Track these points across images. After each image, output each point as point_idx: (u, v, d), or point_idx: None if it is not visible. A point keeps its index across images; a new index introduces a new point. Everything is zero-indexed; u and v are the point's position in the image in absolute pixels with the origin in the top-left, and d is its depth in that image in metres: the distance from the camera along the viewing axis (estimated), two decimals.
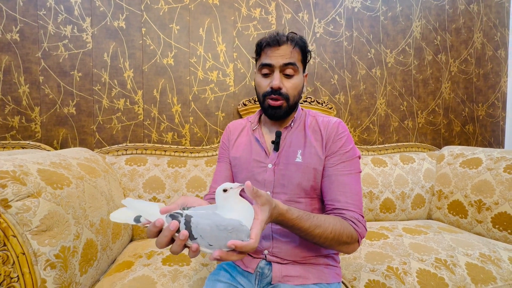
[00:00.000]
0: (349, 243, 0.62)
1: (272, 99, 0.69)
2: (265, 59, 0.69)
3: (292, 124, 0.74)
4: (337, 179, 0.66)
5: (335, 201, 0.65)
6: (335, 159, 0.68)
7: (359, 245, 0.64)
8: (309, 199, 0.70)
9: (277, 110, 0.70)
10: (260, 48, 0.71)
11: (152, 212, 0.46)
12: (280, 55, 0.67)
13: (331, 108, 1.48)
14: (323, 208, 0.72)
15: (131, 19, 1.29)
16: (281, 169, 0.70)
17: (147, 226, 0.46)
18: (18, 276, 0.55)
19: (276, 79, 0.67)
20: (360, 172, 0.69)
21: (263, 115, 0.81)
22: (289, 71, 0.68)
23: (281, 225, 0.59)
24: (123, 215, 0.47)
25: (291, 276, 0.66)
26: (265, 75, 0.70)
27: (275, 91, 0.68)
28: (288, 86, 0.69)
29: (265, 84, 0.70)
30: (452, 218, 1.26)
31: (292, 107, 0.72)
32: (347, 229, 0.61)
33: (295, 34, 0.70)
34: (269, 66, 0.68)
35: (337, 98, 1.54)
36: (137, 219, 0.46)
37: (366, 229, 0.64)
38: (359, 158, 0.71)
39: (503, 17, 1.72)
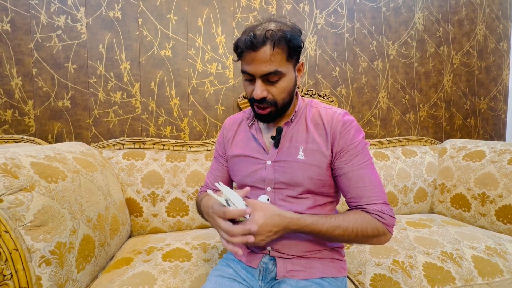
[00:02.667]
0: (378, 235, 0.60)
1: (258, 107, 0.64)
2: (244, 66, 0.62)
3: (293, 118, 0.69)
4: (354, 175, 0.62)
5: (357, 198, 0.63)
6: (348, 155, 0.63)
7: (391, 234, 0.62)
8: (313, 195, 0.67)
9: (266, 117, 0.65)
10: (238, 51, 0.62)
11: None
12: (259, 62, 0.58)
13: (333, 101, 1.45)
14: (329, 203, 0.69)
15: (127, 9, 1.25)
16: (282, 166, 0.67)
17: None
18: (11, 273, 0.52)
19: (257, 89, 0.60)
20: (372, 158, 0.67)
21: None
22: (272, 78, 0.60)
23: (299, 232, 0.59)
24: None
25: (296, 270, 0.65)
26: (248, 80, 0.63)
27: (260, 100, 0.62)
28: (274, 91, 0.61)
29: (249, 90, 0.64)
30: (455, 212, 1.25)
31: (283, 109, 0.65)
32: (371, 223, 0.59)
33: (274, 32, 0.57)
34: (249, 74, 0.61)
35: (339, 91, 1.51)
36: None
37: (393, 217, 0.61)
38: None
39: (505, 9, 1.70)
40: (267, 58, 0.57)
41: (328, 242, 0.68)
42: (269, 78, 0.60)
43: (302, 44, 0.62)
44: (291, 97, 0.66)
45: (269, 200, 0.67)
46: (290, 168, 0.66)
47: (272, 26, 0.59)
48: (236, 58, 0.65)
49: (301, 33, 0.63)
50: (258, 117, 0.67)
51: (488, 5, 1.68)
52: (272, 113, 0.64)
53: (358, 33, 1.51)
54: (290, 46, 0.59)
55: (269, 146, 0.70)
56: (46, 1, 1.16)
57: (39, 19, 1.16)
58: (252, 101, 0.64)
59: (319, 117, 0.68)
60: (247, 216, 0.55)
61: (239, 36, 1.44)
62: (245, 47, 0.58)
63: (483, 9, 1.67)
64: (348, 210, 0.65)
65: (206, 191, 0.82)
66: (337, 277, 0.66)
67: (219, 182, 0.58)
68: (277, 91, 0.62)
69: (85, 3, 1.20)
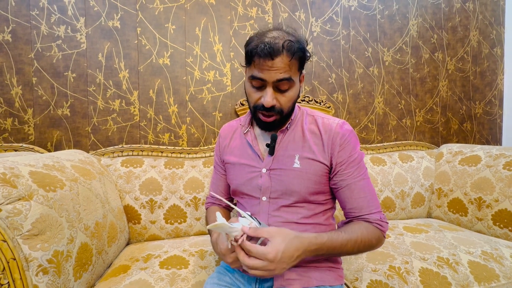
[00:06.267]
0: (378, 243, 0.64)
1: (264, 115, 0.63)
2: (256, 72, 0.60)
3: (288, 126, 0.69)
4: (356, 186, 0.64)
5: (358, 209, 0.64)
6: (349, 168, 0.65)
7: (385, 239, 0.68)
8: (309, 204, 0.67)
9: (270, 125, 0.65)
10: (252, 56, 0.60)
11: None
12: (274, 69, 0.58)
13: (329, 107, 1.47)
14: (326, 210, 0.70)
15: (126, 19, 1.27)
16: (278, 174, 0.67)
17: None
18: (8, 282, 0.53)
19: (269, 97, 0.60)
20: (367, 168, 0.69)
21: None
22: (283, 86, 0.61)
23: (317, 254, 0.58)
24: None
25: (293, 279, 0.64)
26: (256, 87, 0.63)
27: (268, 109, 0.61)
28: (282, 100, 0.62)
29: (256, 97, 0.63)
30: (452, 216, 1.25)
31: (286, 117, 0.66)
32: (374, 232, 0.62)
33: (293, 43, 0.59)
34: (261, 80, 0.60)
35: (335, 97, 1.53)
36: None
37: (388, 222, 0.65)
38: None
39: (498, 15, 1.73)
40: (283, 66, 0.58)
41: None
42: (280, 86, 0.61)
43: (309, 55, 0.65)
44: (294, 106, 0.67)
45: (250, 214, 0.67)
46: (286, 176, 0.66)
47: (289, 36, 0.60)
48: (244, 63, 0.66)
49: (307, 44, 0.65)
50: (261, 124, 0.66)
51: (481, 12, 1.71)
52: (277, 121, 0.64)
53: (354, 40, 1.54)
54: (303, 58, 0.62)
55: (264, 153, 0.70)
56: (46, 12, 1.19)
57: (40, 29, 1.18)
58: (257, 108, 0.63)
59: (315, 126, 0.69)
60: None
61: (236, 44, 1.45)
62: (263, 54, 0.57)
63: (476, 15, 1.70)
64: (349, 221, 0.67)
65: (213, 204, 0.86)
66: (334, 286, 0.66)
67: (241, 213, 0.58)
68: (285, 100, 0.62)
69: (85, 14, 1.23)
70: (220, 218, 0.53)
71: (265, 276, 0.52)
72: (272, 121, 0.64)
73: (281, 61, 0.58)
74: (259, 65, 0.59)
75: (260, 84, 0.62)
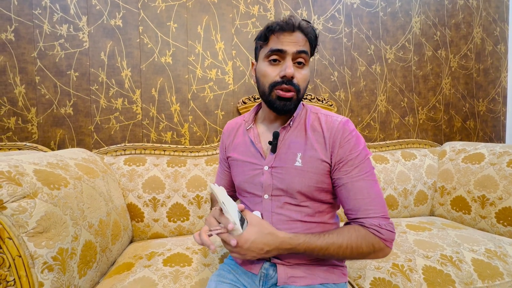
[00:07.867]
0: (374, 251, 0.59)
1: (283, 89, 0.62)
2: (276, 45, 0.62)
3: (291, 123, 0.68)
4: (353, 186, 0.61)
5: (354, 210, 0.61)
6: (347, 166, 0.62)
7: (390, 249, 0.60)
8: (313, 202, 0.66)
9: (287, 102, 0.64)
10: (271, 32, 0.63)
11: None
12: (293, 42, 0.61)
13: (332, 105, 1.47)
14: (328, 209, 0.69)
15: (128, 18, 1.27)
16: (279, 172, 0.66)
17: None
18: (14, 279, 0.53)
19: (290, 67, 0.61)
20: (374, 169, 0.65)
21: (260, 111, 0.77)
22: (301, 59, 0.63)
23: (294, 253, 0.60)
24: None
25: (297, 277, 0.65)
26: (274, 63, 0.64)
27: (288, 81, 0.62)
28: (299, 77, 0.63)
29: (274, 73, 0.63)
30: (455, 214, 1.25)
31: (298, 102, 0.66)
32: (366, 239, 0.58)
33: (309, 23, 0.64)
34: (281, 52, 0.62)
35: (337, 95, 1.53)
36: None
37: (392, 232, 0.59)
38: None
39: (502, 12, 1.72)
40: (301, 40, 0.62)
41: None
42: (299, 59, 0.63)
43: (316, 48, 0.68)
44: (304, 94, 0.67)
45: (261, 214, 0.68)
46: (287, 174, 0.65)
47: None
48: (252, 60, 0.72)
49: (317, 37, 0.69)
50: (277, 102, 0.64)
51: (485, 9, 1.69)
52: (294, 100, 0.64)
53: (356, 37, 1.53)
54: (313, 44, 0.66)
55: (266, 151, 0.70)
56: (49, 11, 1.19)
57: (42, 28, 1.19)
58: (276, 84, 0.63)
59: (318, 124, 0.68)
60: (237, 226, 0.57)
61: (238, 42, 1.45)
62: (285, 26, 0.61)
63: (479, 12, 1.69)
64: (345, 224, 0.65)
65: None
66: (338, 283, 0.66)
67: (215, 184, 0.64)
68: (302, 78, 0.64)
69: (87, 12, 1.23)
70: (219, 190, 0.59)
71: (238, 258, 0.60)
72: (290, 98, 0.63)
73: (299, 35, 0.62)
74: (278, 38, 0.62)
75: (279, 58, 0.63)
